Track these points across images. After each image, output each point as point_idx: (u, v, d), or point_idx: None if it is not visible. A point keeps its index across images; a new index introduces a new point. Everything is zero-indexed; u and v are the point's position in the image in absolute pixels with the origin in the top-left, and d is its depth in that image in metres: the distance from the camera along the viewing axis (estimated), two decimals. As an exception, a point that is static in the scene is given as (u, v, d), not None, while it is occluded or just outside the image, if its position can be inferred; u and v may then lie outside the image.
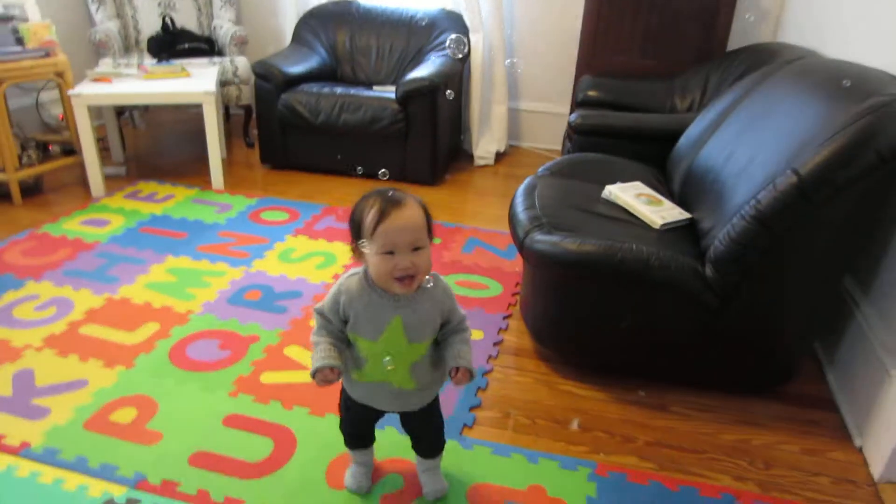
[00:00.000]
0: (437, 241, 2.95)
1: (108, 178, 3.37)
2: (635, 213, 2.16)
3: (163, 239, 2.85)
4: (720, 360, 1.93)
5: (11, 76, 2.97)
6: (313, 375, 1.31)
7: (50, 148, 3.55)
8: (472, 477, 1.67)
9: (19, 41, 3.07)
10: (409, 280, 1.24)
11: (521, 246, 2.00)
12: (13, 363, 2.02)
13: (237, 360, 2.08)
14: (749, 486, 1.69)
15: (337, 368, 1.30)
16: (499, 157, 4.08)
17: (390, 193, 1.24)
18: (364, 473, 1.61)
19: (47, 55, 3.12)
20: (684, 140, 2.49)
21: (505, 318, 2.38)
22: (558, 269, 1.89)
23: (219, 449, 1.72)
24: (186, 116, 4.59)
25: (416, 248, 1.23)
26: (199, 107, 3.24)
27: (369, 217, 1.22)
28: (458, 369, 1.33)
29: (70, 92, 3.06)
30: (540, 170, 2.46)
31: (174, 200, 3.26)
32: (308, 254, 2.77)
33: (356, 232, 1.27)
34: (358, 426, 1.56)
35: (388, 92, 3.50)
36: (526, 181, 2.33)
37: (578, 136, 2.72)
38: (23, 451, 1.69)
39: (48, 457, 1.67)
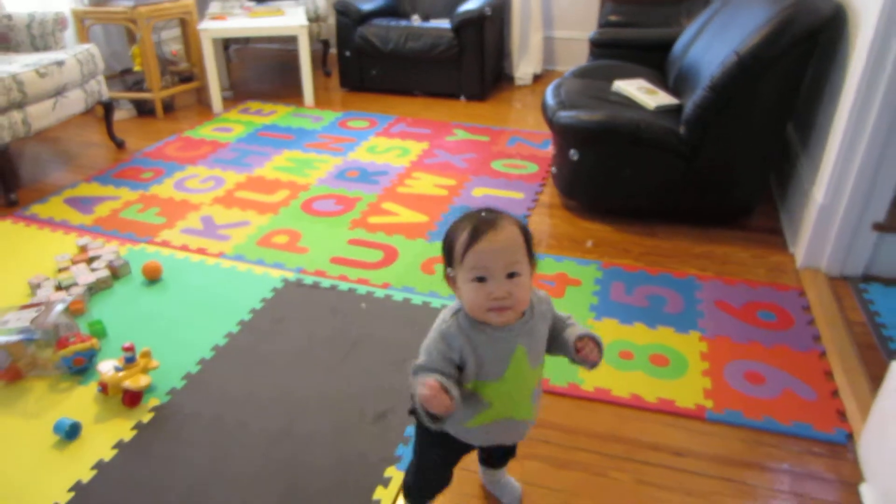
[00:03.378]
0: (483, 138, 3.75)
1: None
2: (636, 101, 2.91)
3: (277, 140, 3.72)
4: (694, 199, 2.70)
5: (156, 15, 3.85)
6: (412, 412, 1.23)
7: (170, 77, 4.44)
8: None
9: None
10: (504, 310, 1.11)
11: (550, 121, 2.78)
12: (197, 212, 2.93)
13: (349, 210, 2.94)
14: (708, 273, 2.49)
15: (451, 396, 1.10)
16: (536, 78, 4.82)
17: (483, 214, 1.13)
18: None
19: (176, -1, 3.99)
20: (676, 47, 3.21)
21: (540, 185, 3.18)
22: (576, 134, 2.68)
23: (348, 255, 2.59)
24: (272, 53, 5.42)
25: (512, 275, 1.10)
26: (287, 41, 4.05)
27: (460, 241, 1.11)
28: (583, 339, 1.21)
29: (199, 26, 3.91)
30: (566, 73, 3.21)
31: (277, 115, 4.12)
32: (388, 148, 3.61)
33: (448, 259, 1.16)
34: (445, 470, 1.42)
35: (444, 23, 4.26)
36: (554, 81, 3.10)
37: (596, 49, 3.47)
38: (228, 254, 2.59)
39: (238, 258, 2.57)
